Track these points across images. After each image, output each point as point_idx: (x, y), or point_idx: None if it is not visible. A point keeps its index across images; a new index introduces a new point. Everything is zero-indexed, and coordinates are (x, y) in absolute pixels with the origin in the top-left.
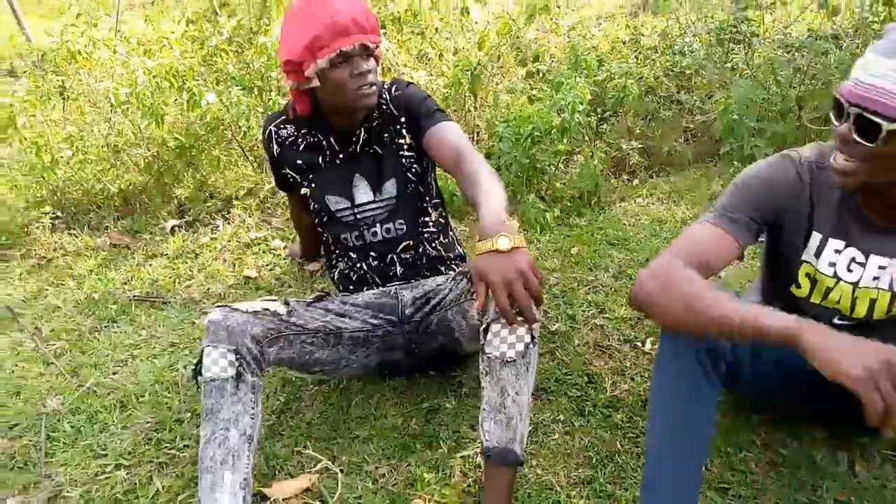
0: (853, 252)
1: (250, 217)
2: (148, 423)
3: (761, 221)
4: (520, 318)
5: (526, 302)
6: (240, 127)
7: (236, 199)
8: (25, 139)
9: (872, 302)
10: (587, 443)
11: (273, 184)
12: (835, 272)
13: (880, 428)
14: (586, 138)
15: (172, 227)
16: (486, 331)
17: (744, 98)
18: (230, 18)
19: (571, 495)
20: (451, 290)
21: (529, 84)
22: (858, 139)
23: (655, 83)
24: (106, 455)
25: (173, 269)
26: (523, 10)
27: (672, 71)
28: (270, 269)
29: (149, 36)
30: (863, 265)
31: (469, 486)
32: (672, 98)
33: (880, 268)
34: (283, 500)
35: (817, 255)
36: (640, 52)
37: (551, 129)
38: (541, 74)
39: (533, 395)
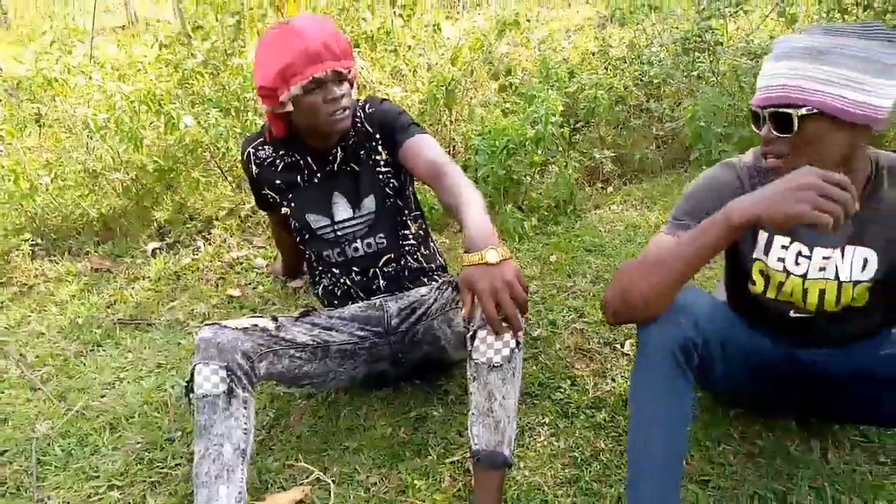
0: (798, 246)
1: (231, 237)
2: (139, 443)
3: None
4: (505, 326)
5: (512, 311)
6: (218, 148)
7: (216, 219)
8: (3, 167)
9: (822, 292)
10: (572, 443)
11: (253, 203)
12: (784, 267)
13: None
14: (560, 149)
15: (153, 250)
16: (472, 337)
17: (710, 105)
18: (203, 41)
19: (558, 494)
20: (435, 299)
21: (503, 97)
22: (779, 135)
23: (625, 93)
24: (98, 476)
25: (156, 292)
26: (494, 26)
27: (641, 80)
28: (254, 288)
29: (122, 60)
30: (808, 258)
31: (459, 490)
32: (642, 107)
33: (824, 258)
34: None
35: (766, 252)
36: (609, 63)
37: (526, 140)
38: (513, 88)
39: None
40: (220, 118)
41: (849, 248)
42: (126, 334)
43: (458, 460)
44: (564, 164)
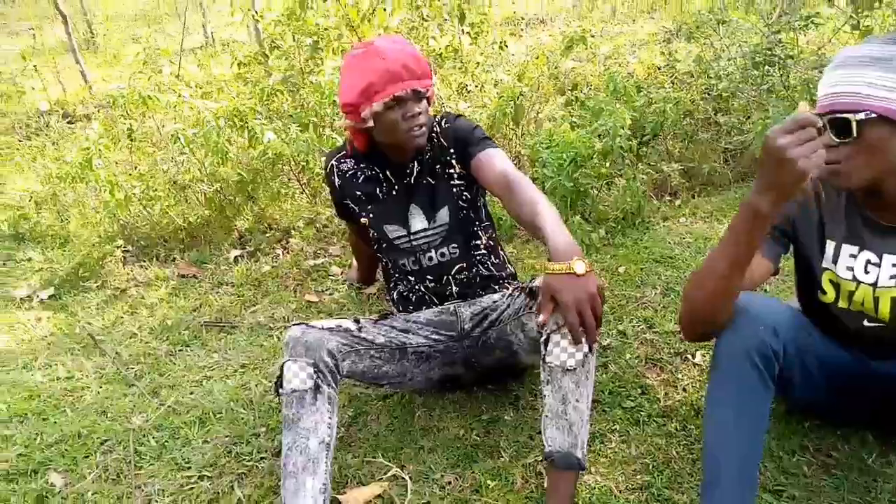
0: (867, 254)
1: (308, 246)
2: (227, 437)
3: (781, 235)
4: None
5: (592, 322)
6: (297, 161)
7: (294, 229)
8: (101, 179)
9: (893, 300)
10: (643, 450)
11: (329, 214)
12: (853, 276)
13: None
14: (628, 161)
15: (235, 257)
16: (546, 342)
17: (781, 117)
18: (281, 60)
19: (630, 499)
20: (508, 305)
21: (569, 111)
22: (839, 140)
23: (692, 107)
24: (190, 467)
25: (239, 296)
26: (560, 43)
27: (709, 94)
28: (330, 294)
29: (204, 79)
30: (878, 265)
31: (531, 492)
32: (710, 120)
33: (893, 265)
34: None
35: (835, 261)
36: (675, 78)
37: (593, 153)
38: (579, 102)
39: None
40: (299, 133)
41: None
42: (212, 336)
43: (530, 463)
44: (632, 176)
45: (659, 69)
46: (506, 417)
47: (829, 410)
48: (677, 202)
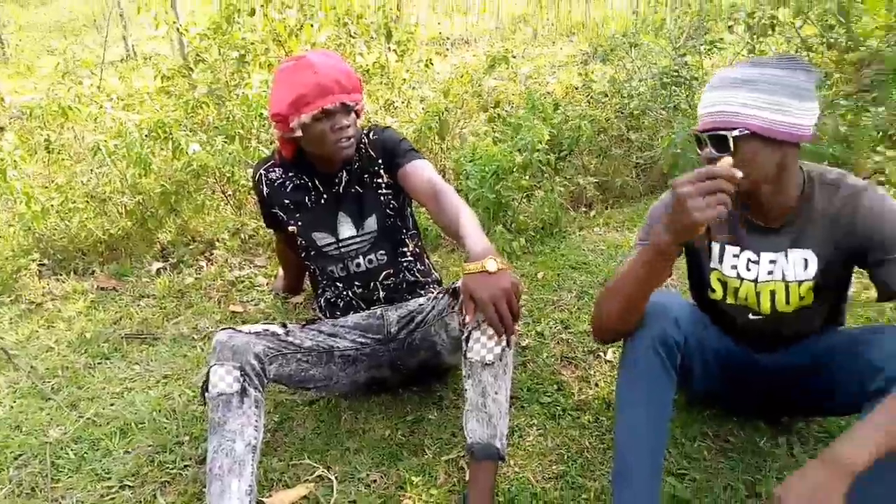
0: (748, 254)
1: (234, 257)
2: (149, 446)
3: None
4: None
5: (508, 316)
6: (223, 173)
7: (218, 241)
8: (16, 191)
9: (772, 293)
10: (559, 442)
11: (255, 225)
12: (737, 273)
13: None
14: (546, 175)
15: (158, 270)
16: (467, 339)
17: (685, 134)
18: (207, 73)
19: (546, 488)
20: (433, 307)
21: (492, 127)
22: (718, 154)
23: (607, 124)
24: (110, 478)
25: (161, 308)
26: (484, 63)
27: (622, 112)
28: (255, 305)
29: (127, 91)
30: (757, 263)
31: (454, 485)
32: (623, 137)
33: (771, 262)
34: None
35: (720, 261)
36: (591, 97)
37: (514, 166)
38: (501, 119)
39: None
40: (225, 145)
41: (791, 251)
42: (133, 348)
43: (452, 458)
44: (550, 188)
45: (576, 89)
46: (430, 417)
47: (725, 400)
48: (592, 213)
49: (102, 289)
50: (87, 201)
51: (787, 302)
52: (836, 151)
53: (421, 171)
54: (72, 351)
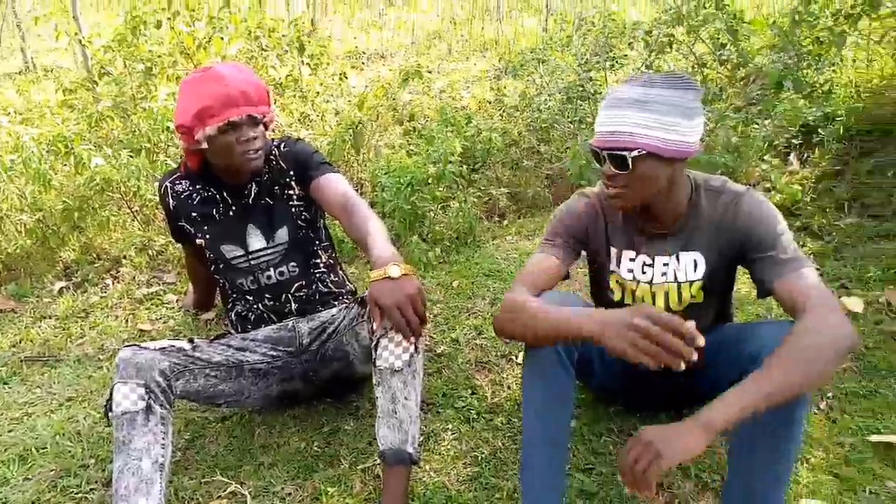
0: (643, 258)
1: (141, 274)
2: (52, 471)
3: (575, 244)
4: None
5: (415, 319)
6: (129, 188)
7: (125, 258)
8: None
9: (666, 294)
10: (473, 445)
11: (163, 241)
12: (633, 276)
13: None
14: (460, 186)
15: (60, 289)
16: (376, 347)
17: (590, 146)
18: (113, 86)
19: (461, 490)
20: (344, 317)
21: (407, 140)
22: (616, 171)
23: (518, 137)
24: None
25: (64, 329)
26: (398, 76)
27: (532, 126)
28: (165, 322)
29: (23, 105)
30: (651, 266)
31: (370, 493)
32: (533, 149)
33: (664, 265)
34: None
35: (618, 264)
36: (503, 111)
37: (428, 178)
38: (416, 132)
39: (423, 408)
40: (131, 158)
41: (682, 254)
42: (34, 371)
43: (369, 467)
44: (464, 199)
45: (489, 103)
46: (346, 427)
47: (628, 396)
48: (505, 222)
49: (0, 311)
50: None
51: (679, 301)
52: (727, 161)
53: (334, 184)
54: None
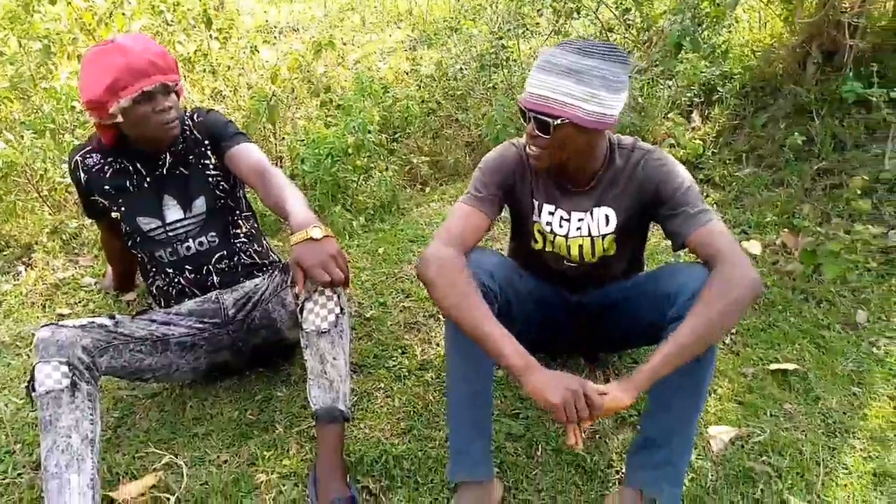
0: (561, 212)
1: (55, 259)
2: None
3: (502, 195)
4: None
5: (339, 276)
6: (35, 170)
7: (37, 243)
8: None
9: (580, 247)
10: (405, 400)
11: (77, 224)
12: (552, 228)
13: (569, 439)
14: (381, 156)
15: None
16: (301, 310)
17: (505, 112)
18: (5, 66)
19: (395, 443)
20: (268, 285)
21: (324, 112)
22: (539, 134)
23: (436, 106)
24: None
25: None
26: (310, 48)
27: (449, 94)
28: (84, 305)
29: None
30: (568, 220)
31: (306, 454)
32: (452, 117)
33: (579, 220)
34: (132, 499)
35: (539, 215)
36: (420, 81)
37: (347, 147)
38: (333, 103)
39: (356, 370)
40: (34, 140)
41: (595, 209)
42: None
43: (303, 430)
44: (385, 168)
45: (406, 73)
46: (279, 394)
47: (548, 342)
48: (427, 190)
49: None
50: None
51: (593, 254)
52: (634, 120)
53: (247, 153)
54: None
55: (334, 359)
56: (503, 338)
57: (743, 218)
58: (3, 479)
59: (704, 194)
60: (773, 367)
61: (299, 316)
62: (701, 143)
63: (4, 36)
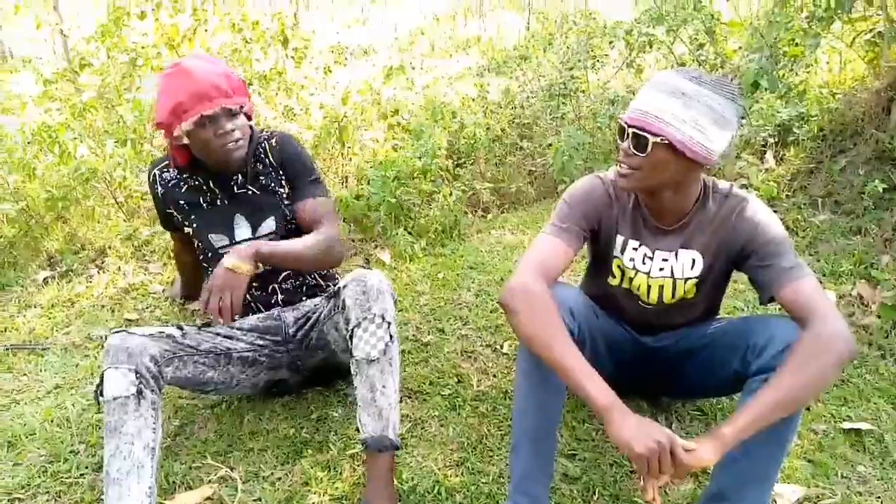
0: (645, 249)
1: (126, 264)
2: (41, 457)
3: (587, 228)
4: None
5: (212, 307)
6: (114, 178)
7: (110, 248)
8: None
9: (661, 287)
10: (459, 431)
11: (149, 232)
12: (634, 265)
13: (647, 494)
14: (445, 180)
15: (45, 279)
16: (351, 337)
17: (572, 142)
18: (97, 76)
19: (448, 474)
20: (322, 307)
21: (392, 134)
22: (634, 151)
23: (501, 133)
24: None
25: (50, 318)
26: (382, 72)
27: (515, 122)
28: (151, 311)
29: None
30: (651, 258)
31: (358, 478)
32: (516, 145)
33: (663, 260)
34: None
35: (622, 252)
36: (487, 107)
37: (414, 171)
38: (400, 126)
39: (410, 396)
40: (116, 149)
41: (681, 251)
42: (20, 359)
43: (356, 453)
44: (449, 193)
45: (473, 99)
46: (334, 414)
47: (613, 383)
48: (489, 216)
49: None
50: None
51: (673, 296)
52: None
53: (314, 210)
54: None
55: (384, 387)
56: (588, 372)
57: (817, 266)
58: (67, 478)
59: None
60: (847, 425)
61: (349, 342)
62: (775, 185)
63: (96, 48)
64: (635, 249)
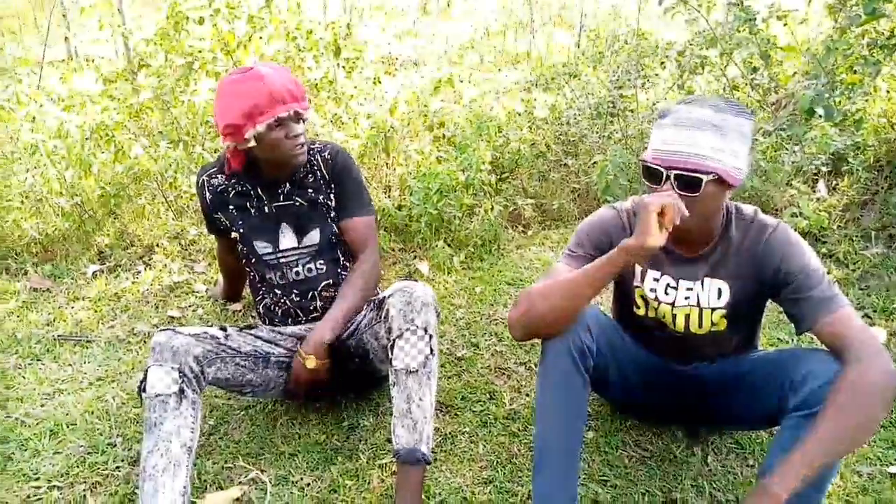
0: (668, 279)
1: (172, 262)
2: (80, 447)
3: (598, 257)
4: None
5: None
6: (165, 178)
7: (157, 245)
8: None
9: (687, 317)
10: (489, 449)
11: (195, 232)
12: (656, 295)
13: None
14: (487, 194)
15: (94, 272)
16: (392, 347)
17: (618, 162)
18: (154, 78)
19: (476, 492)
20: (364, 315)
21: (437, 146)
22: (685, 193)
23: (546, 149)
24: (38, 478)
25: (96, 311)
26: (430, 84)
27: (560, 139)
28: (194, 310)
29: (66, 93)
30: (675, 288)
31: (386, 490)
32: (561, 162)
33: (688, 289)
34: None
35: (642, 281)
36: (532, 123)
37: (457, 184)
38: (446, 138)
39: (442, 410)
40: (169, 150)
41: (706, 280)
42: (66, 350)
43: (386, 464)
44: (490, 207)
45: (519, 114)
46: (365, 423)
47: (643, 410)
48: (529, 232)
49: (35, 289)
50: (23, 200)
51: (700, 326)
52: (755, 185)
53: (359, 230)
54: (1, 351)
55: (420, 399)
56: (598, 261)
57: (867, 301)
58: (104, 470)
59: (826, 271)
60: (893, 469)
61: (389, 352)
62: (826, 215)
63: (154, 50)
64: (656, 280)
